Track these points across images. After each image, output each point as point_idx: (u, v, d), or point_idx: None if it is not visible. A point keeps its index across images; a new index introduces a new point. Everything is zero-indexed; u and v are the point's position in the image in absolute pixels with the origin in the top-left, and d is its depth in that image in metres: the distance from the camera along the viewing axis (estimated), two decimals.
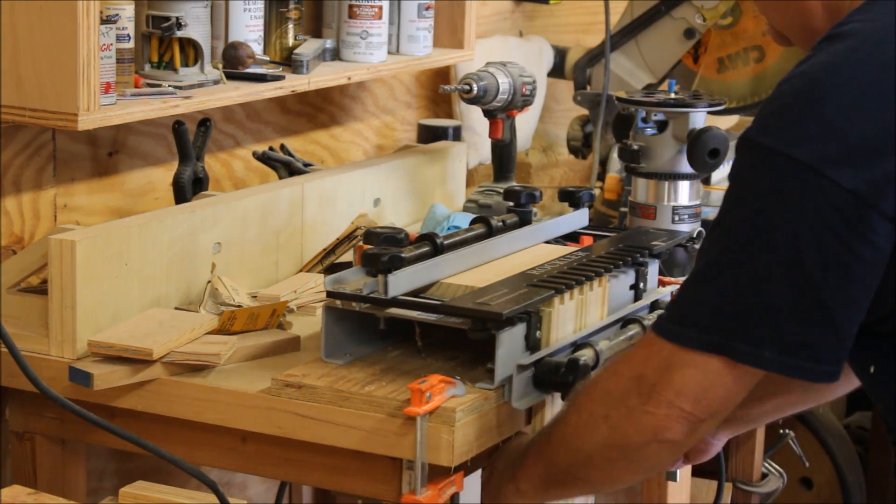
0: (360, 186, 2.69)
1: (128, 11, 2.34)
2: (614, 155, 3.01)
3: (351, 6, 2.80)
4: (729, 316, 1.68)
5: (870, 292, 1.66)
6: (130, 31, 2.35)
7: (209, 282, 2.31)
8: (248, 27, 2.62)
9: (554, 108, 3.76)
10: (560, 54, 3.56)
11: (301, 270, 2.50)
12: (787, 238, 1.63)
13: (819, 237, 1.62)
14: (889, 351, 1.73)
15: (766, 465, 3.20)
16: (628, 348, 2.04)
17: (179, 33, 2.41)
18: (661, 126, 2.64)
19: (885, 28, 1.69)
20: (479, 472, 2.06)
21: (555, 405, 2.04)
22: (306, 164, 2.75)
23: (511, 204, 2.42)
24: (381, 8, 2.81)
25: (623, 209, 2.82)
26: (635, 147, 2.63)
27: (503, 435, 2.01)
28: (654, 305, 2.29)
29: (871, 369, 1.76)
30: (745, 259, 1.66)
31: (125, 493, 1.92)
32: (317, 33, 2.89)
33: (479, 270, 2.20)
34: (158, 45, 2.45)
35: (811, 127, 1.64)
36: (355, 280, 2.07)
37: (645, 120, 2.65)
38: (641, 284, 2.29)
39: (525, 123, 3.39)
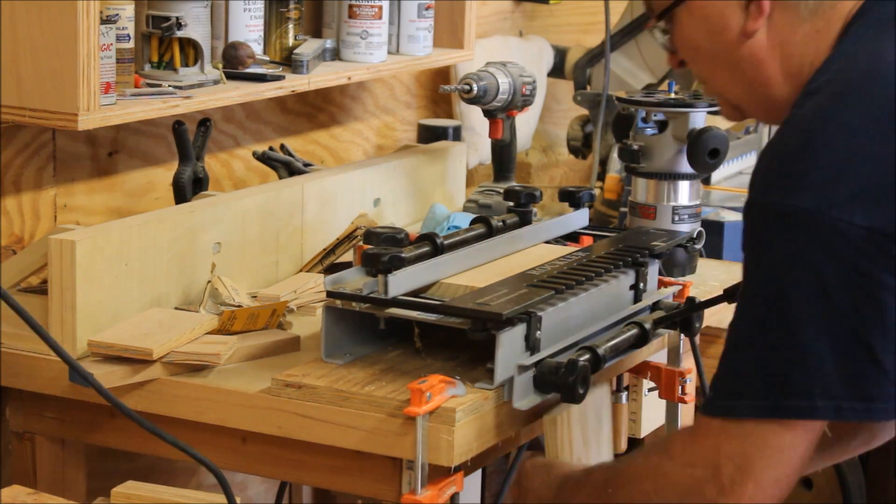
0: (360, 186, 2.69)
1: (128, 11, 2.34)
2: (614, 155, 3.01)
3: (351, 6, 2.80)
4: (774, 377, 1.65)
5: None
6: (130, 31, 2.35)
7: (209, 282, 2.31)
8: (248, 27, 2.62)
9: (554, 108, 3.76)
10: (560, 54, 3.56)
11: (301, 270, 2.50)
12: (813, 286, 1.62)
13: (844, 278, 1.61)
14: None
15: None
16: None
17: (179, 33, 2.41)
18: (661, 126, 2.64)
19: (862, 72, 1.69)
20: (478, 473, 2.06)
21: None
22: (306, 164, 2.75)
23: (511, 204, 2.42)
24: (381, 8, 2.81)
25: (623, 209, 2.82)
26: (635, 147, 2.63)
27: (503, 435, 2.01)
28: (654, 306, 2.29)
29: None
30: (777, 318, 1.64)
31: (117, 493, 1.92)
32: (317, 33, 2.89)
33: (479, 270, 2.19)
34: (158, 45, 2.44)
35: (813, 175, 1.62)
36: (355, 280, 2.07)
37: (645, 120, 2.65)
38: (641, 285, 2.28)
39: (525, 123, 3.39)
